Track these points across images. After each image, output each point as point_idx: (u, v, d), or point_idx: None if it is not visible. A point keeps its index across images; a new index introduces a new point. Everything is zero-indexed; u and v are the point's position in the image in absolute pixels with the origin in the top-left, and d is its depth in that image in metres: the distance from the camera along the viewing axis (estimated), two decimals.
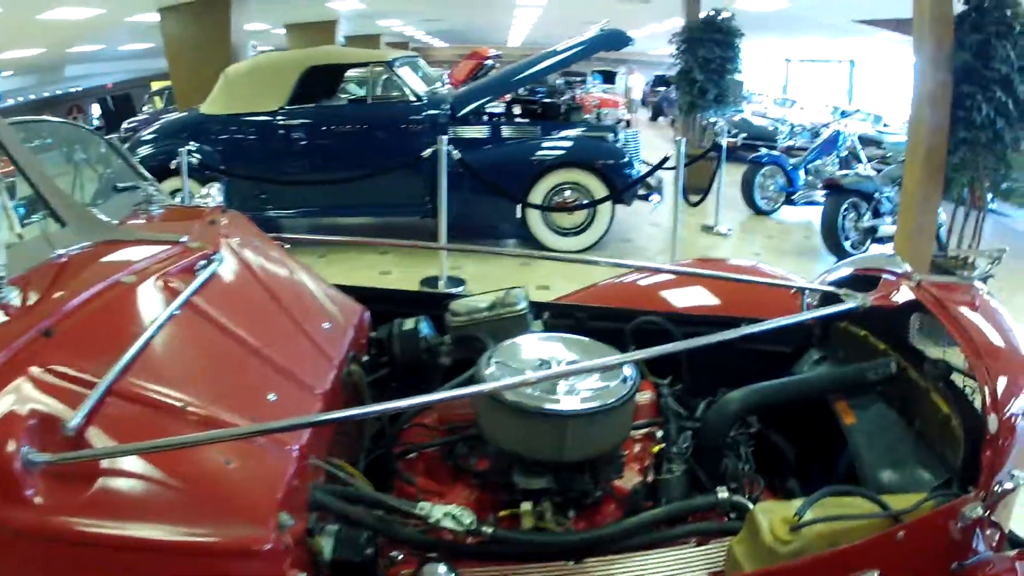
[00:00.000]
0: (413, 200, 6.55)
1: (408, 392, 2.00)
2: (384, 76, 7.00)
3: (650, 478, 1.74)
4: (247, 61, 8.69)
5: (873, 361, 1.92)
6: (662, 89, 20.96)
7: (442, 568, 1.33)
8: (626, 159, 6.51)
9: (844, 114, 12.20)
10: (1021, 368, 1.63)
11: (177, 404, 1.34)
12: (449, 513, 1.41)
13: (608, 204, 6.38)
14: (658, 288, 2.57)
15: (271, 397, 1.52)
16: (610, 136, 6.73)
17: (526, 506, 1.59)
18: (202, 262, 1.80)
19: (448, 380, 1.90)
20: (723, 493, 1.61)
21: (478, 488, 1.73)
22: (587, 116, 8.22)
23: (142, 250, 1.77)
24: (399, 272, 6.15)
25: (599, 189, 6.37)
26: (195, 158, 6.03)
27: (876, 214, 6.71)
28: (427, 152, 5.64)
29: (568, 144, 6.58)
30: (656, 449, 1.79)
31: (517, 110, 7.98)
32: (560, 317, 2.23)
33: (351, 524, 1.37)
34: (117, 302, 1.55)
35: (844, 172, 7.27)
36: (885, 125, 12.86)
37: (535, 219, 6.51)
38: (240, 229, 2.15)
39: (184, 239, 1.86)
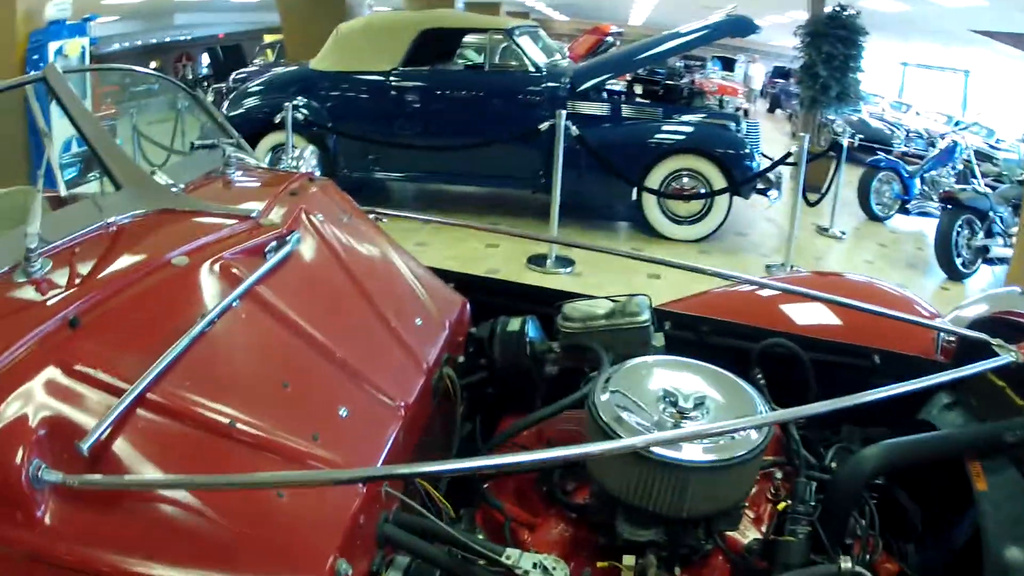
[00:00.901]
0: (526, 173, 6.45)
1: (507, 403, 1.88)
2: (503, 44, 6.85)
3: (769, 535, 1.56)
4: (361, 19, 8.70)
5: (1011, 420, 1.70)
6: (781, 81, 20.17)
7: None
8: (747, 150, 6.29)
9: (959, 124, 11.72)
10: None
11: (224, 420, 1.14)
12: (540, 564, 1.23)
13: (725, 196, 6.19)
14: (777, 301, 2.38)
15: (342, 412, 1.31)
16: (732, 125, 6.50)
17: (628, 560, 1.41)
18: (274, 243, 1.53)
19: (552, 390, 1.75)
20: (846, 563, 1.42)
21: (572, 524, 1.56)
22: (709, 102, 8.00)
23: (204, 224, 1.52)
24: (507, 246, 6.05)
25: (718, 179, 6.17)
26: (302, 113, 6.03)
27: (989, 234, 6.40)
28: (544, 125, 5.53)
29: (689, 129, 6.38)
30: (782, 506, 1.60)
31: (638, 89, 7.77)
32: (680, 328, 2.03)
33: (424, 560, 1.22)
34: (163, 288, 1.30)
35: (962, 187, 6.99)
36: (999, 140, 12.28)
37: (650, 204, 6.35)
38: (328, 202, 1.88)
39: (256, 213, 1.59)
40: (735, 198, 6.34)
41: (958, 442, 1.75)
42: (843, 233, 7.37)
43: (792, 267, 5.80)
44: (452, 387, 1.67)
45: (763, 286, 2.46)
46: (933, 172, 7.94)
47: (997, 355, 1.68)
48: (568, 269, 5.45)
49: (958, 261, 6.37)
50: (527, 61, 6.63)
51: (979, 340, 1.79)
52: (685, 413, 1.43)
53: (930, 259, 6.65)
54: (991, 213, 6.39)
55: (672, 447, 1.35)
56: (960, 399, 1.92)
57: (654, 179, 6.21)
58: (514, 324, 1.86)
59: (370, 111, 6.68)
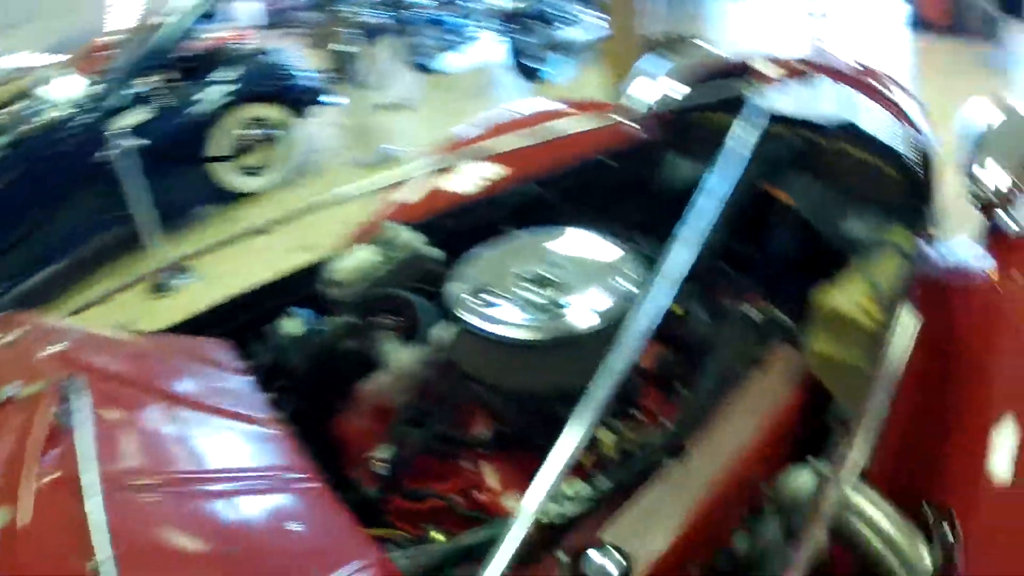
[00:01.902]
0: (108, 215, 6.06)
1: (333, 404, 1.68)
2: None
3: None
4: None
5: (777, 142, 1.91)
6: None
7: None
8: (287, 73, 6.40)
9: None
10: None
11: None
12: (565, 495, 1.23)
13: (296, 127, 6.33)
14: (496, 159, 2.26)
15: None
16: (264, 62, 6.56)
17: (606, 436, 1.43)
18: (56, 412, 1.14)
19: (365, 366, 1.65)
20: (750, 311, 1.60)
21: (498, 458, 1.52)
22: (232, 52, 7.88)
23: None
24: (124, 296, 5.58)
25: (277, 113, 6.27)
26: None
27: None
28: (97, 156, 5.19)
29: (230, 87, 6.32)
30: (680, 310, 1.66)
31: (165, 77, 7.43)
32: (433, 232, 1.90)
33: None
34: None
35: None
36: None
37: (225, 172, 6.29)
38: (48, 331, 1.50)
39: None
40: (305, 122, 6.47)
41: (755, 176, 1.86)
42: (414, 100, 7.60)
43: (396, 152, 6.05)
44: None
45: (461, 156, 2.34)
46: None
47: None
48: (187, 277, 5.19)
49: (530, 63, 6.97)
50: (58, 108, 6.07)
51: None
52: (551, 283, 1.45)
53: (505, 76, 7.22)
54: (544, 10, 6.93)
55: (579, 319, 1.38)
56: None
57: (223, 147, 6.14)
58: (289, 326, 1.67)
59: None
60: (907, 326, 1.39)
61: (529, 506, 1.02)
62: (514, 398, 1.48)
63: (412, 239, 1.78)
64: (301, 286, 1.81)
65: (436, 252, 1.80)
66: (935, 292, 1.59)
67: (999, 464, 1.24)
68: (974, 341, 1.45)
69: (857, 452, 1.18)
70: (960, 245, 1.76)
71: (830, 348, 1.52)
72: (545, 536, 1.22)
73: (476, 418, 1.60)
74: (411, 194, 2.30)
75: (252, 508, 1.13)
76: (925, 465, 1.34)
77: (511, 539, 0.98)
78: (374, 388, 1.65)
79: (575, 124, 2.31)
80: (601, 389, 1.15)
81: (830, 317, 1.52)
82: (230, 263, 3.98)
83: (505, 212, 2.03)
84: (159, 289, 5.14)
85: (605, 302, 1.44)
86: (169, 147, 5.63)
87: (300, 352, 1.65)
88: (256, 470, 1.21)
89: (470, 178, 2.22)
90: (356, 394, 1.68)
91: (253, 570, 1.01)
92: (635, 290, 1.47)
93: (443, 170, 2.29)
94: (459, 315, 1.46)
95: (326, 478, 1.26)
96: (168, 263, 5.16)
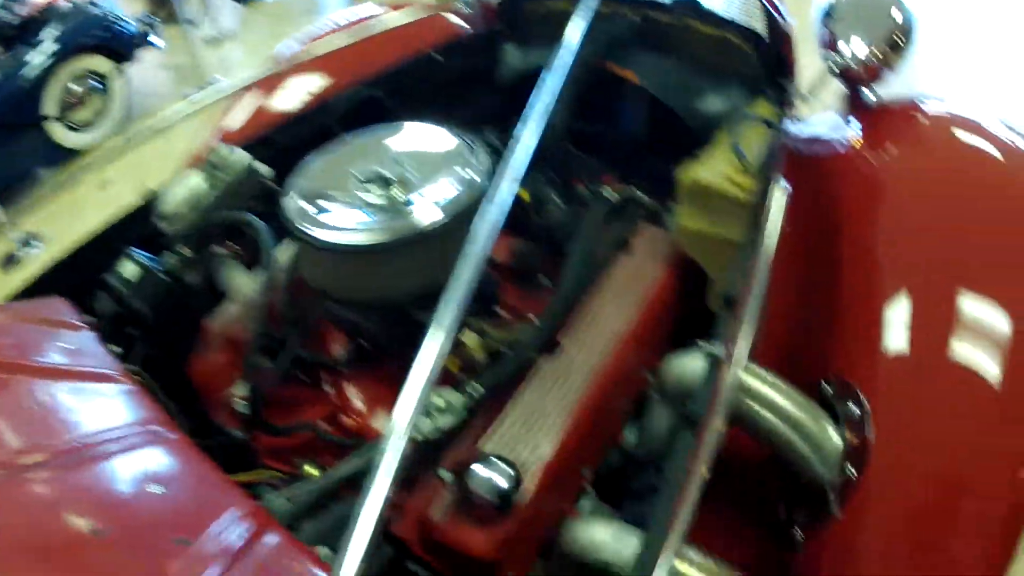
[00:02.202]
0: None
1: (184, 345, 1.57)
2: None
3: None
4: None
5: (609, 18, 1.85)
6: None
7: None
8: (105, 24, 6.03)
9: None
10: None
11: None
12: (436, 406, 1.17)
13: (120, 71, 5.99)
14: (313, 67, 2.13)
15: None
16: (84, 12, 6.13)
17: (471, 338, 1.36)
18: None
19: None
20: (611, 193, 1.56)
21: (361, 377, 1.44)
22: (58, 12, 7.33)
23: None
24: None
25: (104, 64, 5.92)
26: None
27: None
28: None
29: (53, 47, 5.89)
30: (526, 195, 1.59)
31: None
32: (265, 149, 1.76)
33: None
34: None
35: None
36: None
37: (61, 131, 5.90)
38: None
39: None
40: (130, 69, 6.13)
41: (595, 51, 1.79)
42: (236, 31, 7.26)
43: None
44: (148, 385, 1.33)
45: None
46: None
47: None
48: (38, 245, 4.89)
49: None
50: None
51: None
52: (391, 182, 1.34)
53: None
54: None
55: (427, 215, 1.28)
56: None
57: (50, 107, 5.75)
58: (127, 270, 1.53)
59: None
60: (779, 195, 1.35)
61: (400, 425, 0.92)
62: (367, 309, 1.38)
63: (242, 159, 1.62)
64: (137, 226, 1.65)
65: (268, 169, 1.65)
66: (802, 165, 1.57)
67: (896, 337, 1.21)
68: (852, 214, 1.43)
69: (746, 330, 1.13)
70: (823, 119, 1.74)
71: (700, 223, 1.47)
72: (423, 454, 1.16)
73: (333, 337, 1.50)
74: (240, 115, 2.15)
75: (112, 474, 1.03)
76: (817, 343, 1.31)
77: (386, 464, 0.89)
78: (222, 321, 1.54)
79: (397, 20, 2.18)
80: (457, 288, 1.05)
81: (696, 190, 1.46)
82: (81, 223, 3.72)
83: (337, 118, 1.88)
84: (9, 262, 4.77)
85: (451, 195, 1.34)
86: (5, 114, 5.24)
87: (141, 296, 1.52)
88: (112, 430, 1.10)
89: (298, 90, 2.08)
90: (206, 331, 1.57)
91: (123, 547, 0.92)
92: (481, 180, 1.37)
93: (270, 86, 2.13)
94: (297, 228, 1.33)
95: (188, 426, 1.19)
96: (15, 233, 4.79)
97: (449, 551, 1.11)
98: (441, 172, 1.38)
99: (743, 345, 1.12)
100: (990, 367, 1.15)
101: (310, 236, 1.31)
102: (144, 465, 1.04)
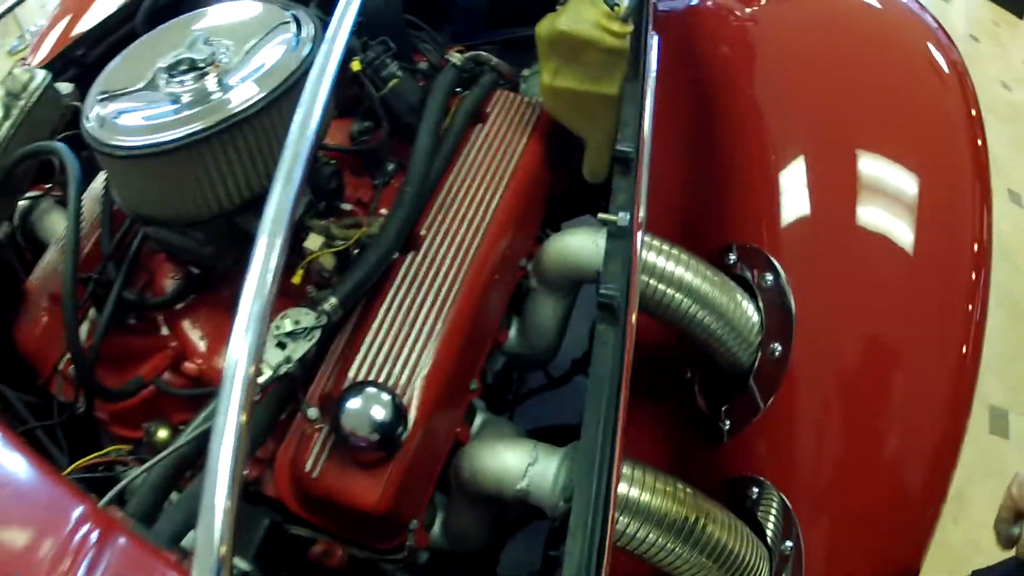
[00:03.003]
0: None
1: None
2: None
3: None
4: None
5: None
6: None
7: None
8: None
9: None
10: None
11: None
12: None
13: None
14: None
15: None
16: None
17: (314, 242, 1.13)
18: None
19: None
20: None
21: (197, 311, 1.21)
22: None
23: None
24: None
25: None
26: None
27: None
28: None
29: None
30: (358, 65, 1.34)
31: None
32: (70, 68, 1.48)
33: None
34: None
35: None
36: None
37: None
38: None
39: None
40: None
41: None
42: None
43: None
44: None
45: None
46: None
47: None
48: None
49: None
50: None
51: None
52: (202, 67, 1.06)
53: None
54: None
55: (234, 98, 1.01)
56: None
57: None
58: None
59: None
60: (653, 41, 1.19)
61: (238, 362, 0.70)
62: (188, 226, 1.11)
63: (41, 80, 1.29)
64: None
65: (70, 86, 1.34)
66: (674, 23, 1.46)
67: (798, 198, 1.12)
68: (729, 70, 1.33)
69: (642, 196, 0.97)
70: None
71: (569, 80, 1.27)
72: (281, 394, 1.01)
73: (162, 270, 1.25)
74: (48, 39, 1.81)
75: None
76: (718, 210, 1.21)
77: (230, 413, 0.67)
78: (42, 275, 1.28)
79: None
80: (286, 183, 0.80)
81: (560, 42, 1.24)
82: None
83: (143, 19, 1.52)
84: None
85: (270, 70, 1.07)
86: None
87: None
88: None
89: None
90: (28, 291, 1.29)
91: None
92: (307, 53, 1.11)
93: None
94: (94, 139, 1.04)
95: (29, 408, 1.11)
96: None
97: (333, 506, 0.95)
98: (260, 48, 1.11)
99: (641, 215, 0.96)
100: (899, 227, 1.08)
101: (108, 146, 1.01)
102: None
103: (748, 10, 1.45)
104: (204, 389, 1.13)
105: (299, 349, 0.95)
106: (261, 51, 1.09)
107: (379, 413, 0.91)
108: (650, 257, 1.03)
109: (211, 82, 1.05)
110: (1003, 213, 3.36)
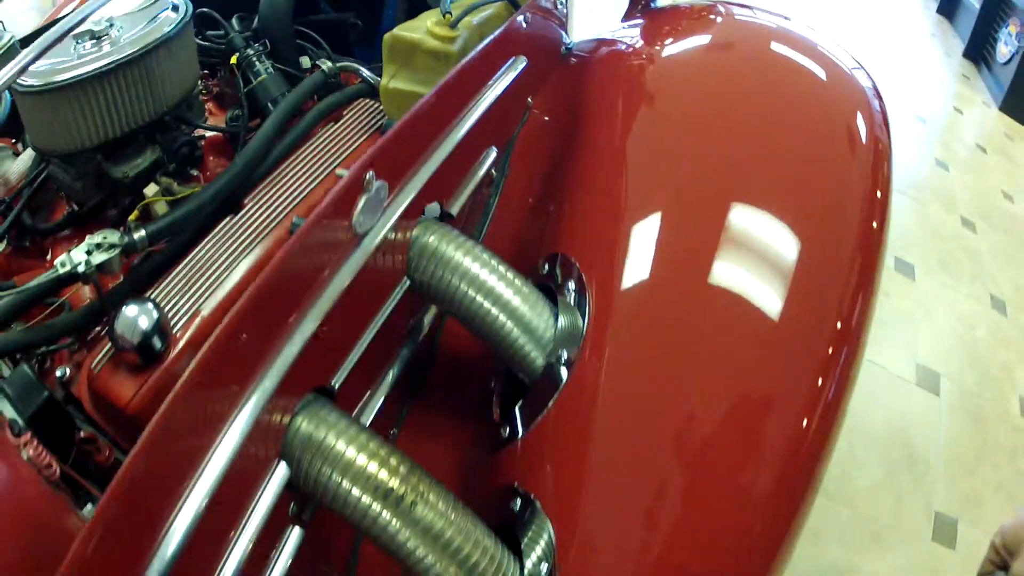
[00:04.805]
0: None
1: None
2: None
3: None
4: None
5: None
6: None
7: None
8: None
9: None
10: None
11: None
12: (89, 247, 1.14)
13: None
14: None
15: None
16: None
17: (152, 189, 1.34)
18: None
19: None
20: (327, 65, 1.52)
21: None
22: None
23: None
24: None
25: None
26: None
27: None
28: None
29: None
30: (234, 60, 1.57)
31: None
32: None
33: None
34: None
35: None
36: None
37: None
38: None
39: None
40: None
41: None
42: None
43: None
44: None
45: None
46: None
47: None
48: None
49: None
50: None
51: None
52: (104, 33, 1.28)
53: None
54: None
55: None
56: None
57: None
58: None
59: None
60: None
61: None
62: (68, 159, 1.31)
63: (6, 41, 1.47)
64: None
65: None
66: (580, 66, 1.56)
67: (613, 215, 1.12)
68: (603, 105, 1.38)
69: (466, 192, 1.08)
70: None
71: (401, 82, 1.37)
72: (91, 307, 1.18)
73: (59, 205, 1.47)
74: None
75: None
76: (550, 225, 1.24)
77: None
78: None
79: None
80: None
81: (396, 48, 1.36)
82: None
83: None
84: None
85: (141, 34, 1.29)
86: None
87: None
88: None
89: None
90: None
91: None
92: (165, 29, 1.31)
93: None
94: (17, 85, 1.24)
95: None
96: None
97: (104, 402, 1.07)
98: (144, 22, 1.33)
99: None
100: (734, 271, 1.03)
101: (18, 87, 1.23)
102: None
103: (643, 51, 1.49)
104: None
105: (98, 257, 1.13)
106: (140, 25, 1.30)
107: (144, 323, 1.02)
108: (465, 262, 1.01)
109: (104, 47, 1.26)
110: (980, 318, 3.24)
